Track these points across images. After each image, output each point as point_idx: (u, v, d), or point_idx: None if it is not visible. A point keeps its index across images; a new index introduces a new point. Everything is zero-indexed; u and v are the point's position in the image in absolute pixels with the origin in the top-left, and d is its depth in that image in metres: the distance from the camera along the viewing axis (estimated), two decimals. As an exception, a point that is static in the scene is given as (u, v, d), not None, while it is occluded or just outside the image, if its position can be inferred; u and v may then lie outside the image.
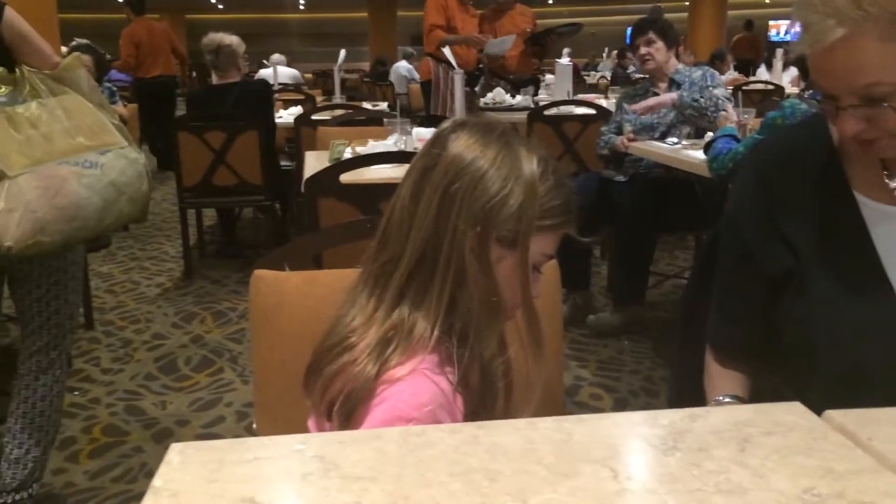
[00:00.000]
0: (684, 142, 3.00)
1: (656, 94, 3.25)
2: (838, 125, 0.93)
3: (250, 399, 2.63)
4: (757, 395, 1.14)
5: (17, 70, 1.66)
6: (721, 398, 1.11)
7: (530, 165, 0.85)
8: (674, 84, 3.23)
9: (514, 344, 0.91)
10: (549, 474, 0.60)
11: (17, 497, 1.84)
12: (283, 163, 4.51)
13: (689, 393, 1.20)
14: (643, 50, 3.26)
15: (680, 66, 3.30)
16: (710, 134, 2.76)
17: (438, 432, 0.70)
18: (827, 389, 0.98)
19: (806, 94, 3.27)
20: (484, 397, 0.87)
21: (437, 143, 0.87)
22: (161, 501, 0.58)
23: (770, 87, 6.61)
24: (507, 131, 0.88)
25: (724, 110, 2.79)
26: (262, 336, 1.10)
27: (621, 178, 3.21)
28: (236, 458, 0.65)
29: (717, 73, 3.30)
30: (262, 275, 1.10)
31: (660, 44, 3.24)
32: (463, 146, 0.85)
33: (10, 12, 1.72)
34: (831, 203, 1.01)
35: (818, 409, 0.93)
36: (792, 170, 1.05)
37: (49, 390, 1.88)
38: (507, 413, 0.89)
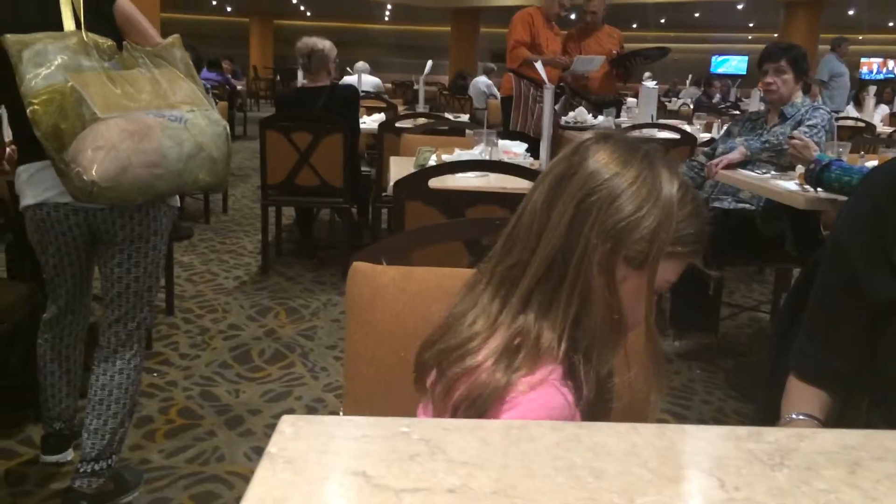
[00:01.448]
0: (773, 171, 2.94)
1: (765, 126, 3.17)
2: None
3: (320, 395, 2.68)
4: (842, 425, 1.12)
5: (124, 46, 1.82)
6: (795, 415, 1.09)
7: (671, 189, 0.84)
8: (783, 118, 3.11)
9: (627, 365, 0.90)
10: (653, 477, 0.61)
11: (97, 467, 1.92)
12: (362, 168, 4.59)
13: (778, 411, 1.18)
14: (770, 79, 3.07)
15: (797, 99, 3.12)
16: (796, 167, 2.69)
17: (540, 428, 0.70)
18: None
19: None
20: (596, 416, 0.86)
21: (578, 152, 0.86)
22: (277, 466, 0.61)
23: (861, 124, 6.41)
24: (652, 151, 0.86)
25: (795, 139, 2.65)
26: (356, 327, 1.12)
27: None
28: (346, 433, 0.67)
29: (823, 109, 3.11)
30: (359, 267, 1.13)
31: (789, 75, 3.06)
32: (604, 160, 0.83)
33: (121, 0, 1.90)
34: None
35: None
36: None
37: (127, 363, 1.96)
38: None
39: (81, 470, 1.92)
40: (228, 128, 1.90)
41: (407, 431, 0.68)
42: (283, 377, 2.82)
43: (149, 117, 1.73)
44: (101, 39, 1.76)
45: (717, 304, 3.28)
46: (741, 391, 2.83)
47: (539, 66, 3.27)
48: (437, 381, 0.87)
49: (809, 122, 2.96)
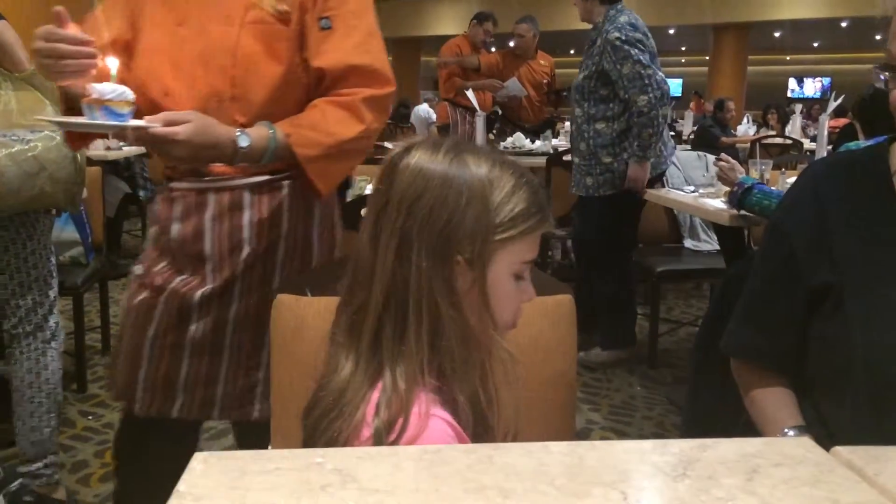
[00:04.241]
0: (701, 190, 3.03)
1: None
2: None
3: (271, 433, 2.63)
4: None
5: None
6: (787, 431, 1.09)
7: (478, 173, 0.81)
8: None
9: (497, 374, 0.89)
10: (560, 495, 0.62)
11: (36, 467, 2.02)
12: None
13: (702, 420, 1.21)
14: None
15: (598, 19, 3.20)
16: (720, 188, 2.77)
17: (453, 451, 0.71)
18: (855, 413, 0.98)
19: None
20: (478, 432, 0.85)
21: (386, 177, 0.84)
22: (185, 504, 0.60)
23: (788, 141, 6.65)
24: (456, 143, 0.84)
25: (722, 161, 2.73)
26: (282, 359, 1.12)
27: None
28: (258, 467, 0.67)
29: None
30: (283, 299, 1.13)
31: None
32: (409, 178, 0.81)
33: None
34: (881, 226, 1.04)
35: (843, 435, 0.94)
36: (847, 188, 1.08)
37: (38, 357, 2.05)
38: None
39: (25, 471, 2.01)
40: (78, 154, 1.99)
41: (321, 462, 0.68)
42: (224, 414, 2.77)
43: None
44: None
45: (634, 314, 3.38)
46: (681, 405, 2.89)
47: (470, 93, 3.32)
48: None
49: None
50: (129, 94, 1.21)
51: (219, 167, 1.37)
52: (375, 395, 0.82)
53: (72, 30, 1.22)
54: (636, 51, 2.97)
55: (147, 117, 1.23)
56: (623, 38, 2.98)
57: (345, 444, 0.81)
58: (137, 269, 1.49)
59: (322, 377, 0.88)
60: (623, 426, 2.74)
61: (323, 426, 0.84)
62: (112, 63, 1.23)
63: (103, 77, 1.23)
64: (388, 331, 0.82)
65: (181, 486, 0.63)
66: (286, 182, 1.41)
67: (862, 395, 0.99)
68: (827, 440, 0.74)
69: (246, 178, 1.38)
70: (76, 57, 1.21)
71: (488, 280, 0.82)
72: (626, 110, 3.07)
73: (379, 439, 0.79)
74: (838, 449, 0.71)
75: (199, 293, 1.38)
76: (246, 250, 1.38)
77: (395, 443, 0.79)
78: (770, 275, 1.13)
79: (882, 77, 0.98)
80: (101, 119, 1.20)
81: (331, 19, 1.35)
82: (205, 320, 1.39)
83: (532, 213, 0.83)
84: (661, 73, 3.02)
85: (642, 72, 2.95)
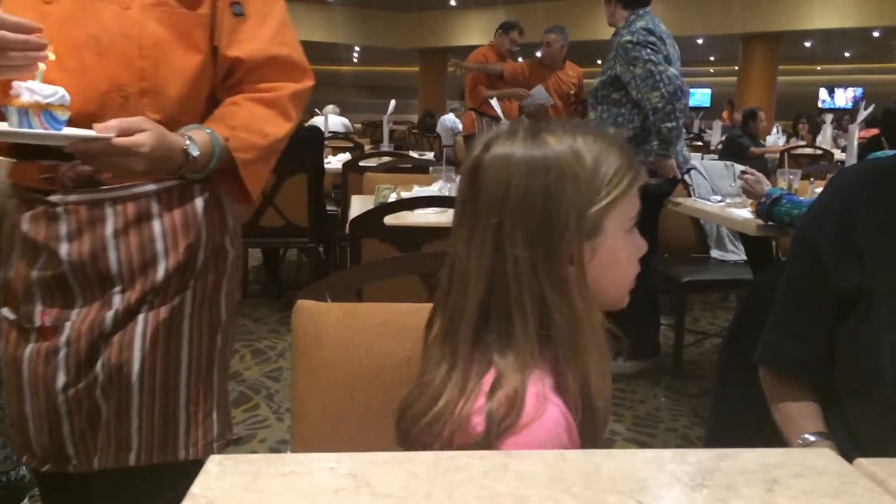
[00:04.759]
0: (728, 200, 3.00)
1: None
2: None
3: (284, 436, 2.65)
4: None
5: None
6: (808, 437, 1.08)
7: (562, 149, 0.80)
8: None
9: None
10: (575, 502, 0.61)
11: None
12: (328, 207, 4.60)
13: (726, 430, 1.19)
14: None
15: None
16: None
17: (468, 458, 0.71)
18: (882, 420, 0.97)
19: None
20: (585, 420, 0.82)
21: (470, 180, 0.83)
22: (199, 506, 0.61)
23: (819, 151, 6.57)
24: (532, 125, 0.83)
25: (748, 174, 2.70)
26: (302, 365, 1.12)
27: None
28: (273, 471, 0.67)
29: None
30: (304, 305, 1.13)
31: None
32: (494, 171, 0.80)
33: None
34: None
35: (870, 445, 0.92)
36: (877, 193, 1.07)
37: None
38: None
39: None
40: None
41: (335, 466, 0.68)
42: (247, 420, 2.79)
43: None
44: None
45: (657, 324, 3.35)
46: (706, 417, 2.85)
47: (494, 102, 3.33)
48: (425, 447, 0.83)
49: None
50: (68, 97, 1.05)
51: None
52: (488, 381, 0.80)
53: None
54: (647, 51, 2.95)
55: (96, 125, 1.07)
56: (634, 40, 2.97)
57: (449, 442, 0.80)
58: (5, 312, 1.26)
59: (417, 383, 0.87)
60: (647, 438, 2.71)
61: (416, 430, 0.83)
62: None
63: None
64: (493, 332, 0.81)
65: (195, 487, 0.63)
66: (197, 186, 1.27)
67: (890, 400, 0.97)
68: (853, 451, 0.73)
69: (152, 185, 1.22)
70: (22, 48, 1.03)
71: (606, 246, 0.82)
72: (638, 116, 3.05)
73: (491, 422, 0.77)
74: (861, 461, 0.70)
75: (109, 321, 1.20)
76: (161, 265, 1.23)
77: (509, 428, 0.77)
78: (799, 282, 1.12)
79: None
80: (39, 128, 1.01)
81: (242, 5, 1.24)
82: (118, 348, 1.21)
83: (627, 170, 0.83)
84: (674, 70, 2.99)
85: (653, 69, 2.93)
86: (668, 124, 2.96)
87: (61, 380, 1.20)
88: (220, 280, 1.32)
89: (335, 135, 7.22)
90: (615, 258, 0.84)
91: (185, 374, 1.28)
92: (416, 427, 0.83)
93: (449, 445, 0.80)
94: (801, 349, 1.11)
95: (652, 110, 2.96)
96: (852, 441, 1.03)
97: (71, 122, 1.07)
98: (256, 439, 2.63)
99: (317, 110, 8.18)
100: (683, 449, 0.72)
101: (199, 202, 1.27)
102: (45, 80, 1.05)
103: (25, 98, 0.99)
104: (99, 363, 1.20)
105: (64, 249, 1.18)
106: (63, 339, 1.19)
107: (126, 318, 1.20)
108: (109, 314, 1.19)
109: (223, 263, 1.33)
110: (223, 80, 1.27)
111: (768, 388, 1.15)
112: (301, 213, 3.96)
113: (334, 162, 4.90)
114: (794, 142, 8.37)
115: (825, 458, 0.71)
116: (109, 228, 1.19)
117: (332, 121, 7.54)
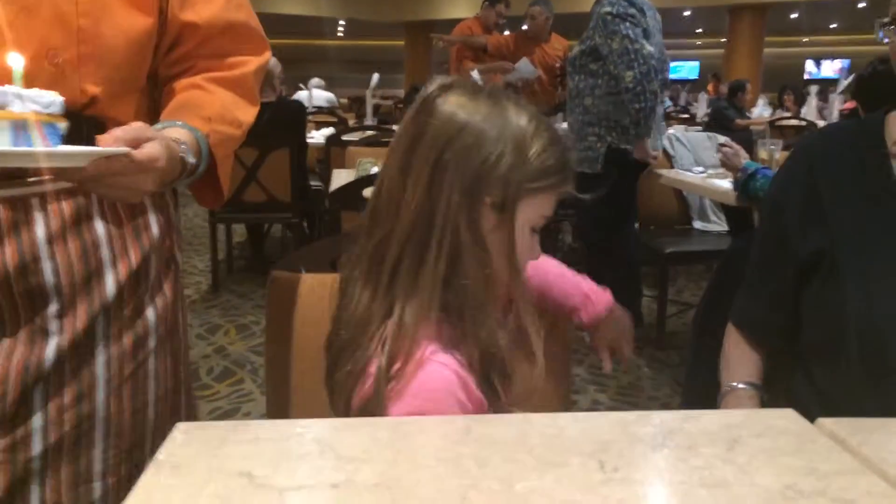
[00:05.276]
0: (710, 171, 3.00)
1: None
2: None
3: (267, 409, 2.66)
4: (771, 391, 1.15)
5: None
6: (736, 384, 1.13)
7: (519, 122, 0.82)
8: None
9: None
10: (537, 463, 0.62)
11: None
12: (312, 182, 4.58)
13: (700, 395, 1.21)
14: None
15: None
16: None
17: (431, 422, 0.71)
18: (848, 380, 0.98)
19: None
20: (491, 379, 0.83)
21: (423, 110, 0.83)
22: (162, 472, 0.61)
23: (803, 123, 6.58)
24: (496, 90, 0.85)
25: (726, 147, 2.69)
26: (275, 335, 1.13)
27: None
28: (238, 437, 0.68)
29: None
30: (279, 276, 1.13)
31: None
32: (449, 112, 0.81)
33: None
34: (874, 194, 1.03)
35: (837, 405, 0.94)
36: (839, 158, 1.08)
37: None
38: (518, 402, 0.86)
39: None
40: None
41: (301, 432, 0.68)
42: (231, 394, 2.80)
43: None
44: None
45: (639, 295, 3.38)
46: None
47: (475, 75, 3.31)
48: (333, 385, 0.86)
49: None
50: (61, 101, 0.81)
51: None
52: (384, 332, 0.82)
53: None
54: (626, 25, 2.93)
55: (102, 139, 0.81)
56: (614, 12, 2.95)
57: (351, 379, 0.82)
58: None
59: (335, 312, 0.88)
60: (629, 407, 2.73)
61: (343, 359, 0.85)
62: (15, 59, 0.78)
63: None
64: (407, 263, 0.82)
65: (160, 454, 0.63)
66: None
67: (854, 360, 0.99)
68: (821, 413, 0.73)
69: None
70: None
71: (504, 230, 0.83)
72: (616, 89, 3.03)
73: (380, 373, 0.79)
74: (822, 420, 0.70)
75: (50, 357, 0.91)
76: (110, 276, 0.97)
77: (395, 378, 0.78)
78: (767, 247, 1.14)
79: (881, 33, 0.97)
80: (41, 145, 0.77)
81: None
82: (63, 392, 0.93)
83: (559, 170, 0.84)
84: (651, 48, 2.96)
85: (629, 47, 2.91)
86: (636, 105, 2.95)
87: None
88: (176, 297, 1.10)
89: (319, 109, 7.16)
90: (508, 244, 0.84)
91: (150, 425, 1.03)
92: (342, 358, 0.85)
93: (350, 378, 0.83)
94: (770, 314, 1.13)
95: (624, 89, 2.96)
96: (820, 403, 1.04)
97: None
98: (241, 413, 2.64)
99: (301, 85, 8.10)
100: (649, 411, 0.73)
101: (146, 199, 1.03)
102: None
103: (17, 108, 0.76)
104: (37, 418, 0.90)
105: None
106: None
107: (75, 351, 0.92)
108: (49, 347, 0.90)
109: (175, 275, 1.11)
110: (167, 50, 1.05)
111: (726, 341, 1.18)
112: (284, 187, 3.94)
113: (318, 136, 4.87)
114: (779, 113, 8.37)
115: (787, 418, 0.71)
116: (40, 232, 0.91)
117: (316, 95, 7.47)
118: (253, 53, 1.10)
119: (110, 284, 0.97)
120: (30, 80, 0.80)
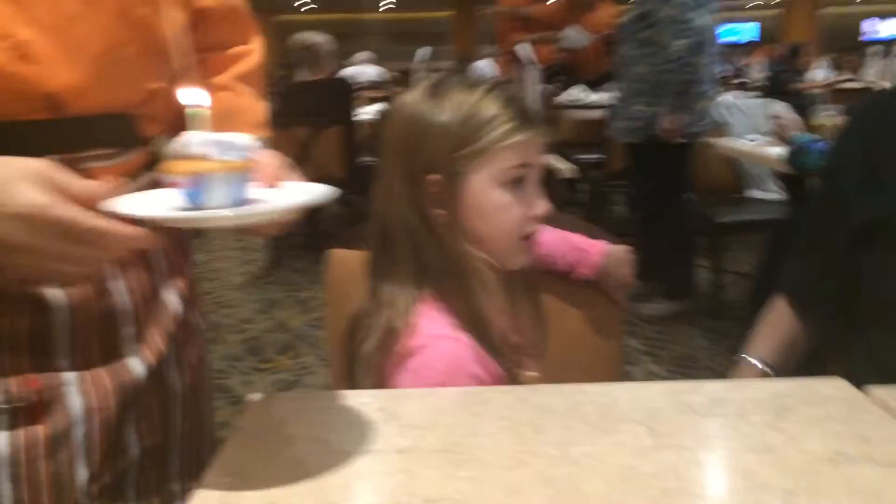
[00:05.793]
0: (761, 139, 2.95)
1: None
2: None
3: (328, 382, 2.74)
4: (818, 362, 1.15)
5: None
6: (744, 356, 1.12)
7: (447, 100, 0.85)
8: None
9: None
10: (591, 430, 0.65)
11: None
12: (365, 158, 4.63)
13: None
14: None
15: None
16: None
17: (490, 392, 0.75)
18: None
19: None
20: (498, 348, 0.86)
21: (383, 120, 0.93)
22: (244, 438, 0.66)
23: (865, 85, 6.36)
24: (444, 79, 0.88)
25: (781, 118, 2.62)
26: (334, 310, 1.18)
27: None
28: (311, 406, 0.73)
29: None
30: (336, 254, 1.18)
31: None
32: (394, 115, 0.89)
33: None
34: None
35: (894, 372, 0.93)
36: (894, 122, 1.06)
37: None
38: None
39: None
40: None
41: (368, 402, 0.73)
42: (293, 367, 2.89)
43: None
44: None
45: (690, 265, 3.33)
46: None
47: (522, 48, 3.29)
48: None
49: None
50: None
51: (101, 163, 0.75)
52: (381, 319, 0.86)
53: None
54: None
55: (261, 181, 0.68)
56: None
57: (370, 363, 0.86)
58: None
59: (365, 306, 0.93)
60: (684, 378, 2.74)
61: (357, 348, 0.89)
62: (200, 96, 0.63)
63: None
64: (382, 262, 0.89)
65: (241, 422, 0.69)
66: None
67: None
68: (877, 378, 0.74)
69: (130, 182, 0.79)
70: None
71: (468, 194, 0.86)
72: (665, 58, 2.97)
73: (389, 349, 0.83)
74: (873, 389, 0.72)
75: (136, 375, 0.79)
76: (168, 296, 0.87)
77: (394, 359, 0.82)
78: (820, 214, 1.13)
79: None
80: (245, 201, 0.62)
81: None
82: (151, 413, 0.82)
83: (501, 123, 0.85)
84: (706, 19, 2.90)
85: (682, 16, 2.85)
86: (681, 76, 2.90)
87: (83, 474, 0.75)
88: (204, 316, 0.99)
89: (370, 84, 7.20)
90: (480, 208, 0.86)
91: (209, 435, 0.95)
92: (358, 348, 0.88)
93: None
94: (822, 281, 1.12)
95: (669, 59, 2.90)
96: (879, 374, 1.04)
97: (48, 110, 0.69)
98: (303, 384, 2.73)
99: (349, 60, 8.15)
100: (700, 381, 0.75)
101: None
102: (10, 42, 0.66)
103: (216, 154, 0.60)
104: (133, 438, 0.80)
105: (55, 291, 0.73)
106: (76, 409, 0.74)
107: (156, 369, 0.82)
108: (136, 362, 0.79)
109: (197, 290, 0.98)
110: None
111: (773, 308, 1.17)
112: (337, 164, 4.01)
113: (369, 111, 4.91)
114: (840, 76, 8.09)
115: (836, 386, 0.73)
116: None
117: (365, 70, 7.52)
118: (247, 41, 0.97)
119: (171, 304, 0.87)
120: (96, 84, 0.72)
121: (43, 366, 0.73)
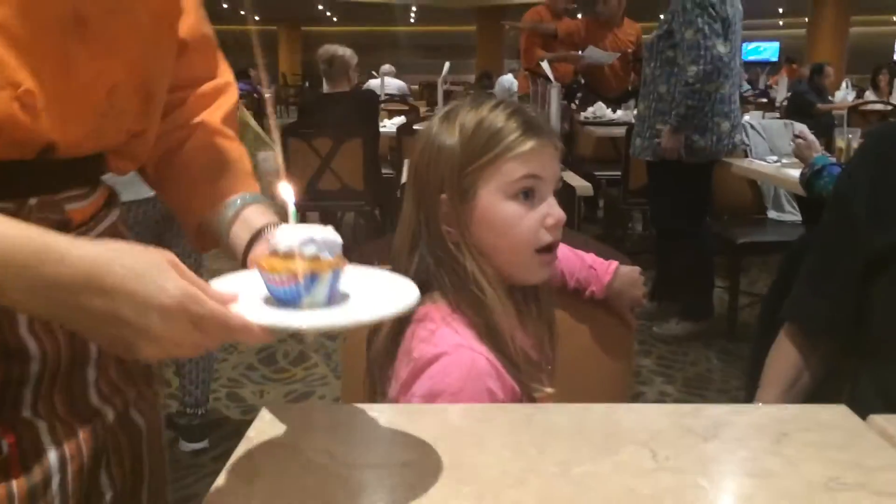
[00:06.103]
0: (784, 160, 2.95)
1: None
2: None
3: (342, 393, 2.76)
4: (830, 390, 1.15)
5: None
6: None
7: (458, 118, 0.88)
8: None
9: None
10: (594, 451, 0.67)
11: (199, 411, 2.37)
12: (384, 171, 4.67)
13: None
14: None
15: None
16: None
17: (496, 410, 0.77)
18: None
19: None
20: (511, 365, 0.86)
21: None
22: (253, 448, 0.68)
23: (889, 107, 6.32)
24: (459, 104, 0.91)
25: (800, 138, 2.61)
26: (351, 324, 1.20)
27: None
28: (320, 419, 0.75)
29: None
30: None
31: None
32: (415, 144, 0.93)
33: None
34: None
35: None
36: None
37: None
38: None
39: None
40: None
41: (377, 416, 0.74)
42: (306, 377, 2.91)
43: None
44: None
45: (710, 286, 3.32)
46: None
47: (545, 65, 3.32)
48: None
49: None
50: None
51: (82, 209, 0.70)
52: (413, 331, 0.88)
53: None
54: (704, 18, 2.87)
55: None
56: (697, 0, 2.90)
57: (390, 368, 0.89)
58: None
59: None
60: (697, 399, 2.73)
61: (380, 362, 0.92)
62: (287, 191, 0.64)
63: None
64: (413, 266, 0.90)
65: (251, 432, 0.71)
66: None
67: None
68: (884, 407, 0.75)
69: (115, 209, 0.78)
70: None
71: (478, 209, 0.87)
72: (684, 79, 2.97)
73: (412, 368, 0.84)
74: (874, 417, 0.73)
75: (110, 416, 0.75)
76: None
77: (421, 364, 0.83)
78: (831, 240, 1.13)
79: None
80: (332, 299, 0.62)
81: None
82: (122, 458, 0.77)
83: (505, 135, 0.86)
84: (722, 49, 2.90)
85: (701, 41, 2.86)
86: (689, 101, 2.91)
87: None
88: None
89: (391, 97, 7.26)
90: (491, 223, 0.87)
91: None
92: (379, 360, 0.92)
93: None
94: (829, 308, 1.12)
95: (684, 81, 2.92)
96: (884, 401, 1.04)
97: (39, 153, 0.64)
98: (316, 395, 2.75)
99: (373, 72, 8.22)
100: (703, 404, 0.76)
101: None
102: (8, 80, 0.60)
103: (309, 251, 0.60)
104: (106, 482, 0.75)
105: (32, 344, 0.67)
106: (52, 460, 0.69)
107: (122, 415, 0.76)
108: (102, 405, 0.74)
109: None
110: None
111: (780, 341, 1.17)
112: (357, 176, 4.04)
113: (389, 126, 4.96)
114: (867, 97, 8.04)
115: (838, 413, 0.74)
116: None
117: (388, 83, 7.58)
118: (217, 72, 0.88)
119: None
120: (96, 133, 0.68)
121: (14, 418, 0.67)
